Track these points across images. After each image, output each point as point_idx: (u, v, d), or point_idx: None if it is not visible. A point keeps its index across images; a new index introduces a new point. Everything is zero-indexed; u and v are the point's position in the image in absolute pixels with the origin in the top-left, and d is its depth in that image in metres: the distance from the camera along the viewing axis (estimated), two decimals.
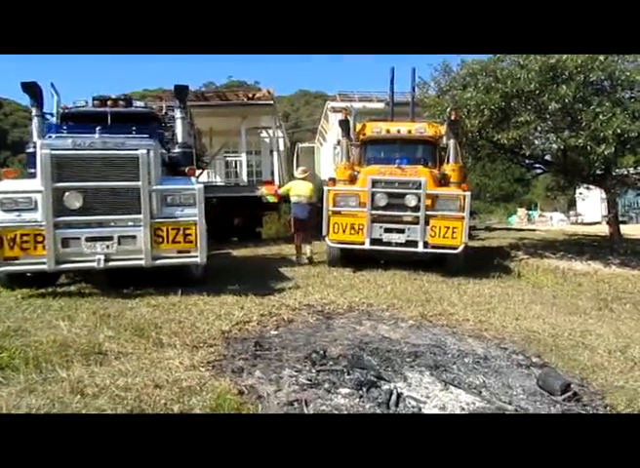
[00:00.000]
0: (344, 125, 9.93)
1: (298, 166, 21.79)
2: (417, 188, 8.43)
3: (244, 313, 5.70)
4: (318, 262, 9.61)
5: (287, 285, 7.44)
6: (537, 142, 11.08)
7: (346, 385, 3.82)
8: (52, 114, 8.31)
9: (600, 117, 9.20)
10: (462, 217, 8.32)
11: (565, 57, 9.32)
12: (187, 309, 5.71)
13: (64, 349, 4.10)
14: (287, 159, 20.10)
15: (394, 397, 3.64)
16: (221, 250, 12.18)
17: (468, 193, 8.47)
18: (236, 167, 17.69)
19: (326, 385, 3.84)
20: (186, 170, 7.15)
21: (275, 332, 5.23)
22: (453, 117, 9.38)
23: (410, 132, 9.95)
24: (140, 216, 6.09)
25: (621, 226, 14.24)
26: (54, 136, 6.68)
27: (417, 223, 8.42)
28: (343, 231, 8.60)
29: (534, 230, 20.91)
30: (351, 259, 9.16)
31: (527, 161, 13.37)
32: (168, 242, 6.18)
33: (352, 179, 9.46)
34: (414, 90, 11.91)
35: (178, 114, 8.35)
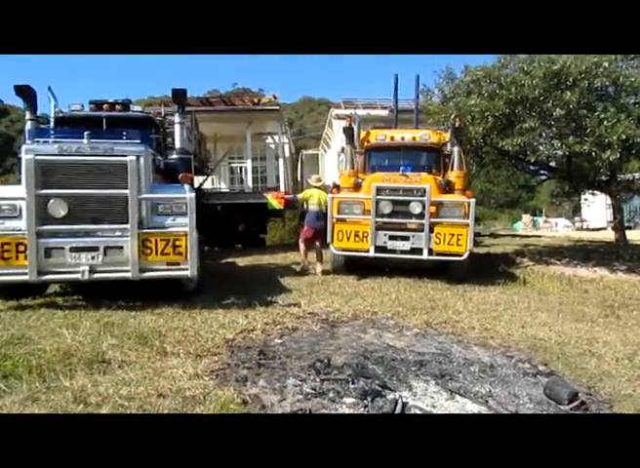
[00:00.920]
0: (348, 132, 9.93)
1: (302, 173, 21.95)
2: (421, 195, 8.41)
3: (248, 321, 5.68)
4: (323, 271, 9.54)
5: (291, 293, 7.43)
6: (541, 149, 11.01)
7: (351, 395, 3.79)
8: (48, 119, 8.22)
9: (605, 123, 9.17)
10: (467, 224, 8.29)
11: (569, 63, 9.31)
12: (191, 317, 5.70)
13: (68, 358, 4.09)
14: (292, 165, 20.14)
15: (399, 406, 3.61)
16: (225, 258, 12.16)
17: (473, 200, 8.44)
18: (241, 173, 17.68)
19: (330, 394, 3.81)
20: (180, 176, 6.90)
21: (279, 341, 5.20)
22: (457, 124, 9.38)
23: (414, 139, 9.94)
24: (128, 226, 5.82)
25: (627, 232, 14.17)
26: (41, 140, 6.43)
27: (421, 231, 8.39)
28: (348, 239, 8.59)
29: (539, 236, 20.81)
30: (356, 267, 9.14)
31: (532, 167, 13.33)
32: (156, 253, 5.86)
33: (356, 187, 9.45)
34: (418, 97, 11.92)
35: (176, 119, 8.17)
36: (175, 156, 7.97)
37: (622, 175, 13.31)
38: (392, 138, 10.07)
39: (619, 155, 9.29)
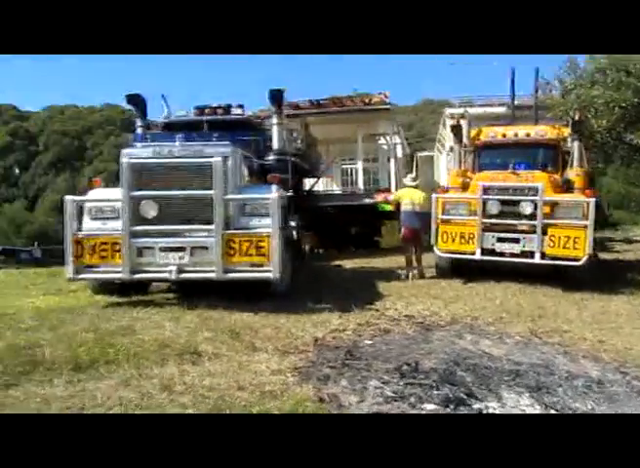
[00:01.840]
0: (456, 130, 9.57)
1: (417, 175, 21.52)
2: (533, 195, 7.86)
3: (341, 321, 5.68)
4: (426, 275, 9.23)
5: (390, 295, 7.31)
6: None
7: (432, 401, 3.63)
8: (156, 125, 8.64)
9: None
10: (586, 226, 7.59)
11: None
12: (286, 315, 5.80)
13: (163, 348, 4.37)
14: (406, 167, 19.82)
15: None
16: (334, 260, 12.21)
17: (592, 199, 7.71)
18: (352, 175, 17.72)
19: (412, 399, 3.68)
20: (268, 177, 6.80)
21: (369, 342, 5.13)
22: (577, 117, 8.66)
23: (528, 135, 9.32)
24: (213, 227, 5.85)
25: None
26: (140, 144, 6.70)
27: (533, 232, 7.83)
28: (453, 240, 8.26)
29: None
30: (463, 270, 8.75)
31: None
32: (240, 254, 5.83)
33: (465, 187, 9.06)
34: (537, 91, 11.17)
35: (274, 120, 8.05)
36: (271, 157, 7.90)
37: None
38: (504, 135, 9.50)
39: None
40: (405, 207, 9.31)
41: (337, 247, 15.42)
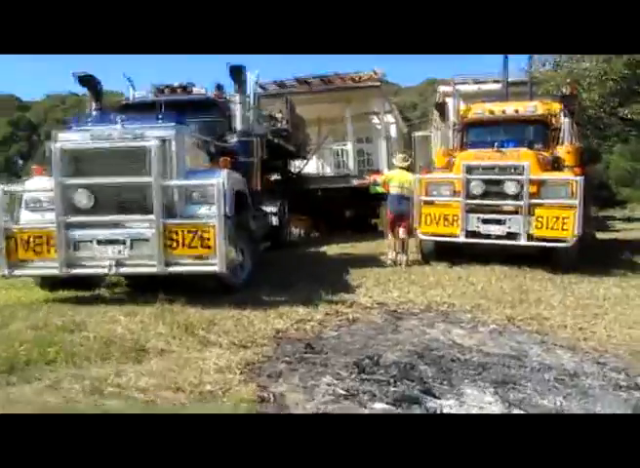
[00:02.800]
0: (441, 108, 9.19)
1: (410, 155, 21.03)
2: (518, 174, 7.51)
3: (308, 311, 5.40)
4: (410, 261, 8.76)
5: (367, 281, 7.00)
6: None
7: (384, 400, 3.34)
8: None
9: None
10: (574, 206, 7.24)
11: None
12: (252, 307, 5.49)
13: (108, 346, 4.10)
14: (405, 147, 19.34)
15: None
16: (321, 246, 11.90)
17: (580, 178, 7.34)
18: (343, 156, 17.29)
19: (364, 397, 3.40)
20: (220, 161, 6.23)
21: (334, 333, 4.86)
22: (568, 91, 8.27)
23: (517, 111, 8.94)
24: (153, 217, 5.40)
25: None
26: (77, 128, 6.03)
27: (519, 213, 7.50)
28: (437, 223, 7.92)
29: None
30: (448, 254, 8.42)
31: None
32: (183, 246, 5.35)
33: (450, 166, 8.71)
34: (530, 66, 10.76)
35: (236, 99, 7.44)
36: (234, 140, 7.31)
37: None
38: (492, 112, 9.12)
39: None
40: (393, 190, 8.88)
41: (331, 230, 15.10)
